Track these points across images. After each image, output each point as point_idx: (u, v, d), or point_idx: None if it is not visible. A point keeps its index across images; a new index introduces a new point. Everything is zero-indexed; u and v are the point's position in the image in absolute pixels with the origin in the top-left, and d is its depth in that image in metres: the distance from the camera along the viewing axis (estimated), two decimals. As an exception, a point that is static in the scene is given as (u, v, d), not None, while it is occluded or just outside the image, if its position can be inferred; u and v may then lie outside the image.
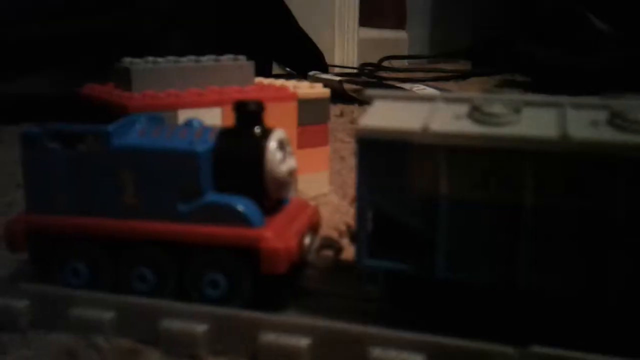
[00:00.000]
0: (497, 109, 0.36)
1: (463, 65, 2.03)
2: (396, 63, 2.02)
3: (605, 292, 0.35)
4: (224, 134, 0.43)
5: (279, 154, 0.43)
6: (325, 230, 0.54)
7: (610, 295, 0.35)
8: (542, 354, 0.34)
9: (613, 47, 1.40)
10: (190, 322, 0.39)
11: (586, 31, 1.46)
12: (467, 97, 0.38)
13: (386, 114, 0.39)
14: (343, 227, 0.60)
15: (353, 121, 1.12)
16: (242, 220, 0.41)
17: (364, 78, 1.59)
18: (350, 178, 0.77)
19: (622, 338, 0.35)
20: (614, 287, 0.35)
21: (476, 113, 0.36)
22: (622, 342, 0.34)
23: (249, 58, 0.67)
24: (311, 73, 1.51)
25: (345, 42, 1.93)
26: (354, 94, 1.32)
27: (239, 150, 0.42)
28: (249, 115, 0.43)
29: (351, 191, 0.71)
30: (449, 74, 1.75)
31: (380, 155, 0.38)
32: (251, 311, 0.39)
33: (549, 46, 1.52)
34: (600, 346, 0.33)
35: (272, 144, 0.42)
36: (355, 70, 1.80)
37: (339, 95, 1.35)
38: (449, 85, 1.64)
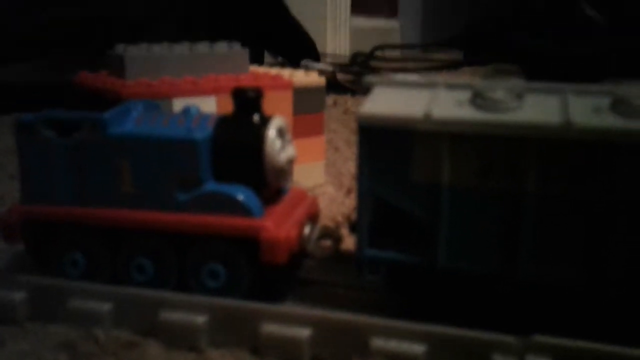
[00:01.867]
0: (499, 95, 0.35)
1: (455, 55, 2.03)
2: (388, 52, 2.01)
3: (607, 281, 0.35)
4: (223, 121, 0.43)
5: (278, 142, 0.42)
6: (322, 222, 0.53)
7: (611, 284, 0.35)
8: (543, 343, 0.34)
9: (604, 35, 1.40)
10: (190, 313, 0.39)
11: (577, 19, 1.46)
12: (468, 84, 0.38)
13: (387, 101, 0.38)
14: (340, 218, 0.59)
15: (347, 111, 1.12)
16: (241, 209, 0.41)
17: (356, 67, 1.59)
18: (345, 168, 0.77)
19: (623, 327, 0.35)
20: (615, 276, 0.35)
21: (478, 99, 0.36)
22: (622, 332, 0.34)
23: (241, 46, 0.66)
24: (303, 62, 1.50)
25: (337, 31, 1.92)
26: (347, 84, 1.32)
27: (238, 138, 0.42)
28: (248, 102, 0.43)
29: (347, 182, 0.71)
30: (441, 64, 1.74)
31: (381, 143, 0.37)
32: (251, 302, 0.39)
33: (541, 35, 1.52)
34: (601, 335, 0.33)
35: (271, 132, 0.42)
36: (347, 60, 1.80)
37: (331, 85, 1.34)
38: (442, 74, 1.63)
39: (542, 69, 1.43)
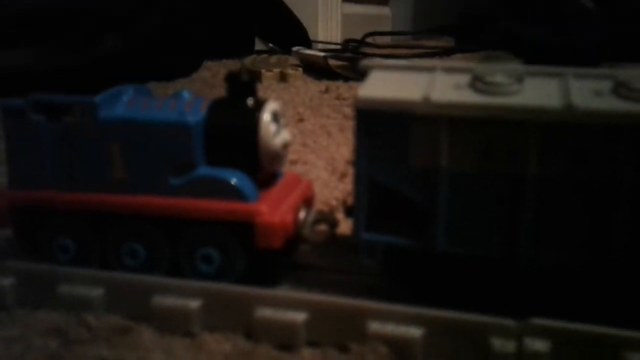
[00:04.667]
0: (499, 78, 0.35)
1: (447, 42, 2.02)
2: (380, 39, 2.00)
3: (608, 264, 0.35)
4: (216, 105, 0.42)
5: (272, 126, 0.41)
6: (316, 206, 0.53)
7: (613, 266, 0.34)
8: (542, 326, 0.34)
9: (597, 23, 1.40)
10: (184, 298, 0.38)
11: (570, 8, 1.46)
12: (467, 67, 0.37)
13: (385, 85, 0.38)
14: (334, 202, 0.59)
15: (339, 97, 1.11)
16: (235, 194, 0.40)
17: (348, 54, 1.58)
18: (338, 153, 0.76)
19: (623, 310, 0.35)
20: (617, 259, 0.34)
21: (478, 83, 0.35)
22: (622, 314, 0.34)
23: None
24: (295, 49, 1.49)
25: (328, 18, 1.90)
26: (339, 70, 1.31)
27: (232, 122, 0.41)
28: (242, 86, 0.42)
29: (340, 166, 0.71)
30: (433, 50, 1.74)
31: (379, 127, 0.37)
32: (246, 286, 0.38)
33: (534, 23, 1.51)
34: (601, 318, 0.33)
35: (265, 116, 0.41)
36: (339, 46, 1.79)
37: (323, 71, 1.33)
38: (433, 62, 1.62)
39: (535, 57, 1.43)
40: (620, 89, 0.33)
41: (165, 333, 0.38)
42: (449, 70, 0.38)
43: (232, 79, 0.42)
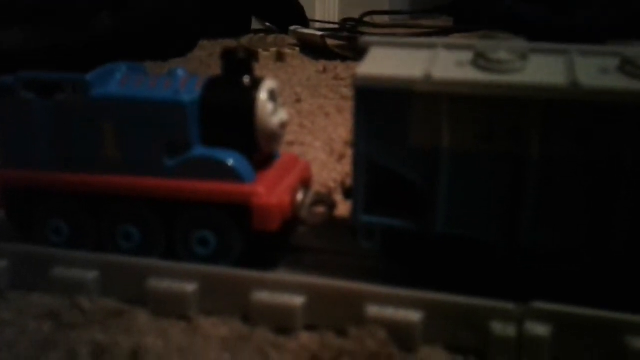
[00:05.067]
0: (502, 55, 0.34)
1: (445, 22, 2.00)
2: (378, 19, 1.98)
3: (611, 247, 0.34)
4: (212, 83, 0.41)
5: (270, 105, 0.40)
6: (314, 188, 0.52)
7: (615, 249, 0.34)
8: (543, 309, 0.33)
9: (596, 4, 1.39)
10: (180, 281, 0.38)
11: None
12: (469, 44, 0.36)
13: (385, 62, 0.37)
14: (332, 184, 0.58)
15: (337, 77, 1.10)
16: (232, 175, 0.39)
17: (346, 33, 1.56)
18: (336, 134, 0.75)
19: (624, 294, 0.34)
20: (620, 241, 0.34)
21: (480, 60, 0.34)
22: (623, 298, 0.34)
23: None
24: (292, 28, 1.47)
25: (326, -4, 1.88)
26: (336, 50, 1.29)
27: (228, 100, 0.40)
28: (238, 63, 0.41)
29: (338, 148, 0.70)
30: (432, 30, 1.72)
31: (378, 105, 0.36)
32: (243, 269, 0.38)
33: (534, 3, 1.50)
34: (602, 302, 0.33)
35: (262, 95, 0.40)
36: (336, 26, 1.77)
37: (321, 51, 1.31)
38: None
39: (535, 36, 1.41)
40: (627, 67, 0.32)
41: (161, 317, 0.37)
42: (450, 47, 0.37)
43: (228, 56, 0.41)
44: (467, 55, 0.36)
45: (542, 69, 0.34)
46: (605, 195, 0.33)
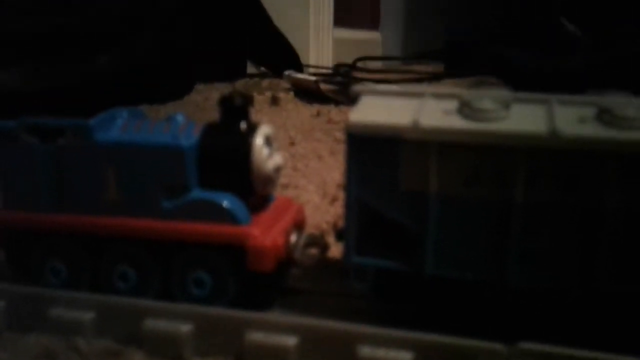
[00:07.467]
0: (487, 104, 0.36)
1: (436, 67, 2.04)
2: (371, 64, 2.02)
3: (596, 288, 0.35)
4: (209, 129, 0.42)
5: (265, 149, 0.42)
6: (307, 230, 0.53)
7: (601, 291, 0.35)
8: (531, 350, 0.34)
9: (584, 50, 1.43)
10: (175, 322, 0.38)
11: (559, 34, 1.49)
12: (455, 93, 0.38)
13: (375, 110, 0.38)
14: (325, 226, 0.59)
15: (330, 121, 1.12)
16: (228, 217, 0.40)
17: (339, 78, 1.59)
18: (329, 177, 0.77)
19: (612, 334, 0.35)
20: (604, 284, 0.35)
21: (466, 109, 0.36)
22: (611, 339, 0.34)
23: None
24: (286, 72, 1.50)
25: (320, 42, 1.93)
26: (330, 94, 1.32)
27: (225, 145, 0.42)
28: (235, 109, 0.42)
29: (331, 190, 0.71)
30: (423, 75, 1.76)
31: (369, 151, 0.37)
32: (237, 310, 0.39)
33: (523, 49, 1.54)
34: (590, 342, 0.34)
35: (258, 140, 0.42)
36: (330, 71, 1.80)
37: (315, 95, 1.34)
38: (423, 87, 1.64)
39: (524, 82, 1.45)
40: (603, 116, 0.34)
41: (156, 357, 0.38)
42: (437, 96, 0.39)
43: (225, 102, 0.43)
44: (453, 104, 0.37)
45: (524, 117, 0.36)
46: (589, 239, 0.35)
